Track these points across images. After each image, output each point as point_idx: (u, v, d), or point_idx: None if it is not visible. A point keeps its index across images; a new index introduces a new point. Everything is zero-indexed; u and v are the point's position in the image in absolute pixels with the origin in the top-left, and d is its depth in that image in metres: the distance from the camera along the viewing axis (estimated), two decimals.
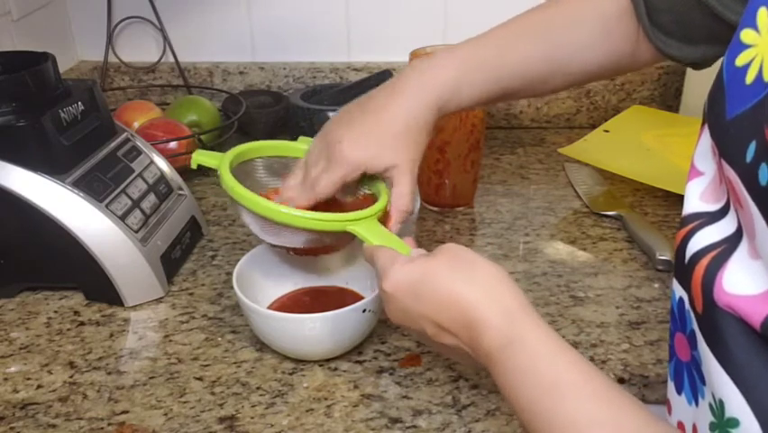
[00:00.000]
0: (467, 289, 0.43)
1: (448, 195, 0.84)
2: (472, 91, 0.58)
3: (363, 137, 0.56)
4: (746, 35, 0.35)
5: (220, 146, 0.96)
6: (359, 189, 0.62)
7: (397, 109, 0.57)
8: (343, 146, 0.56)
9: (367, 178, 0.59)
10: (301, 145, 0.65)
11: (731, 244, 0.35)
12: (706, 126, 0.38)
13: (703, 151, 0.40)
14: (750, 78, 0.33)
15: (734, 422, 0.34)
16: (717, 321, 0.35)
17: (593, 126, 1.02)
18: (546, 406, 0.38)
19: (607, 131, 0.97)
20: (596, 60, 0.60)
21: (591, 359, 0.59)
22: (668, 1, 0.55)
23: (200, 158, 0.61)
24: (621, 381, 0.58)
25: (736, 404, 0.34)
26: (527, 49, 0.59)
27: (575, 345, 0.61)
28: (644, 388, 0.58)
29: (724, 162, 0.34)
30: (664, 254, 0.72)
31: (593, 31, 0.59)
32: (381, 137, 0.56)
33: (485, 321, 0.42)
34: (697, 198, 0.40)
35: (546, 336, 0.41)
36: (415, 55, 0.82)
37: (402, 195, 0.57)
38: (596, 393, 0.37)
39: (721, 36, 0.52)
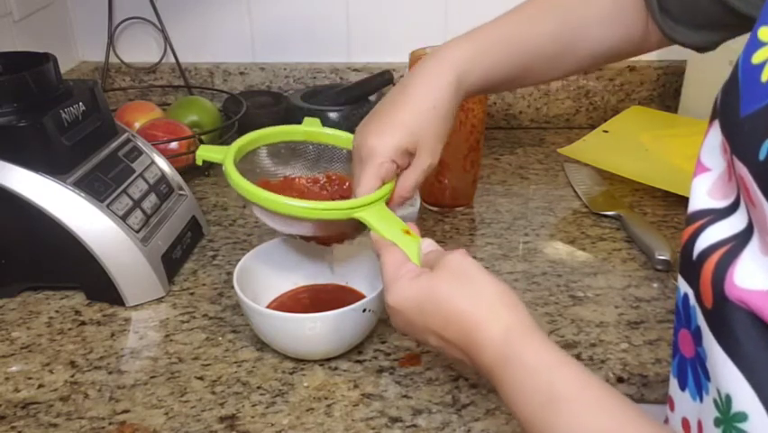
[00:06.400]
0: (470, 306, 0.44)
1: (448, 195, 0.84)
2: (487, 69, 0.58)
3: (385, 127, 0.56)
4: (764, 33, 0.35)
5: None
6: None
7: (411, 94, 0.57)
8: (369, 142, 0.55)
9: None
10: (305, 127, 0.65)
11: (742, 240, 0.35)
12: (715, 122, 0.38)
13: (711, 146, 0.40)
14: (766, 76, 0.33)
15: (741, 416, 0.34)
16: (728, 315, 0.35)
17: (592, 127, 1.02)
18: (545, 419, 0.38)
19: (606, 131, 0.97)
20: (607, 41, 0.60)
21: (590, 359, 0.60)
22: None
23: (204, 153, 0.60)
24: (620, 380, 0.58)
25: (745, 398, 0.34)
26: (541, 26, 0.60)
27: (574, 344, 0.61)
28: (643, 387, 0.58)
29: (736, 159, 0.34)
30: (663, 254, 0.72)
31: (605, 10, 0.59)
32: (401, 122, 0.56)
33: (486, 338, 0.42)
34: (704, 195, 0.40)
35: (545, 350, 0.41)
36: (415, 55, 0.82)
37: (407, 177, 0.57)
38: (596, 404, 0.38)
39: (726, 22, 0.53)
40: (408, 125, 0.56)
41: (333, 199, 0.62)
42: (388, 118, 0.56)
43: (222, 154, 0.59)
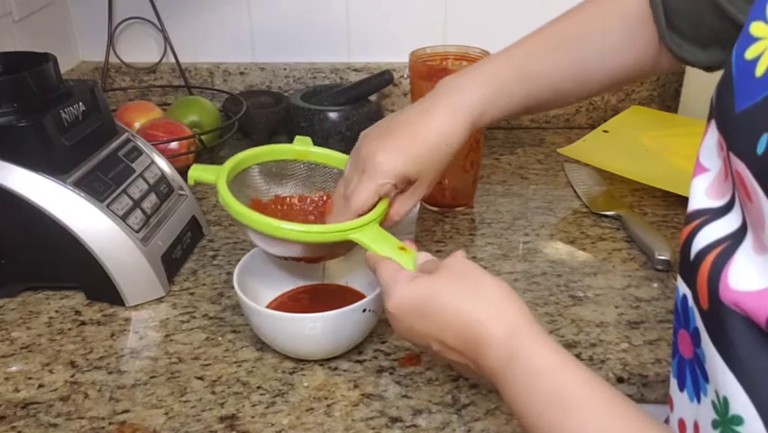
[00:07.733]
0: (472, 306, 0.44)
1: (448, 195, 0.84)
2: (503, 107, 0.60)
3: (397, 149, 0.57)
4: (756, 28, 0.35)
5: (220, 147, 0.96)
6: None
7: (430, 126, 0.58)
8: (378, 158, 0.56)
9: None
10: (297, 146, 0.65)
11: (736, 239, 0.35)
12: (713, 122, 0.38)
13: (709, 147, 0.40)
14: (760, 70, 0.33)
15: (738, 420, 0.34)
16: (723, 319, 0.35)
17: (592, 126, 1.02)
18: (551, 420, 0.38)
19: (606, 131, 0.97)
20: (622, 66, 0.61)
21: (590, 359, 0.60)
22: (684, 3, 0.56)
23: (197, 174, 0.60)
24: (620, 380, 0.58)
25: (740, 402, 0.34)
26: (555, 59, 0.60)
27: (574, 344, 0.61)
28: (643, 387, 0.58)
29: (732, 156, 0.34)
30: (663, 254, 0.72)
31: (618, 36, 0.60)
32: (414, 151, 0.57)
33: (489, 338, 0.42)
34: (702, 195, 0.40)
35: (550, 350, 0.41)
36: (415, 55, 0.82)
37: (403, 204, 0.59)
38: (603, 405, 0.38)
39: (733, 39, 0.53)
40: (420, 158, 0.57)
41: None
42: (403, 141, 0.58)
43: (214, 175, 0.59)
